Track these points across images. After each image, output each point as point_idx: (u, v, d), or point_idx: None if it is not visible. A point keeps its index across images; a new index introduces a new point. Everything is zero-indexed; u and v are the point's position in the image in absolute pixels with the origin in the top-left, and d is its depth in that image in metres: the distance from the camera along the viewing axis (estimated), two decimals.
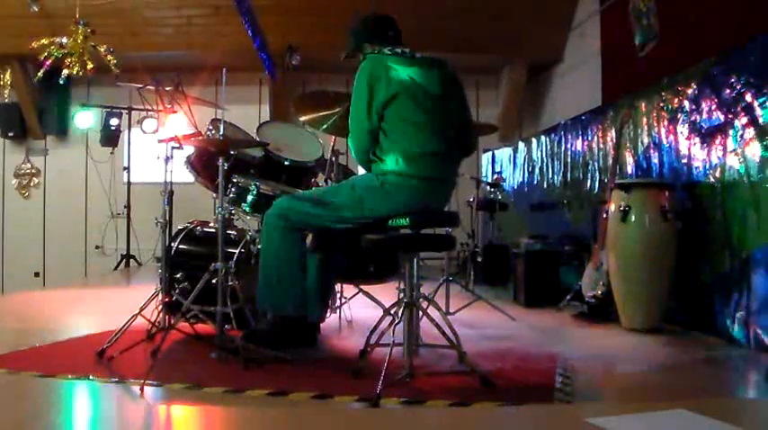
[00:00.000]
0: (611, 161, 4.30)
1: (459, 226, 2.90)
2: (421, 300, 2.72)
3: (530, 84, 8.43)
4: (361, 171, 3.49)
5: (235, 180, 3.10)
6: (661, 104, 4.04)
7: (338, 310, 3.43)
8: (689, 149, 3.72)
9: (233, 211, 3.14)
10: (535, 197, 6.23)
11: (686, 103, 3.77)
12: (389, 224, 2.58)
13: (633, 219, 3.60)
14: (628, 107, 4.25)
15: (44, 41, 6.47)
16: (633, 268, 3.60)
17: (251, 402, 2.26)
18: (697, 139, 3.65)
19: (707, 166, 3.54)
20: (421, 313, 2.67)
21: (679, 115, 3.83)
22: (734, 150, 3.30)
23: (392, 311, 2.68)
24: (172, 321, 2.89)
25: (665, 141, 3.99)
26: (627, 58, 5.93)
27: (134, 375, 2.42)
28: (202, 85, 6.05)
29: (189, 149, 3.32)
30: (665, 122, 3.98)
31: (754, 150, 3.13)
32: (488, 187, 6.00)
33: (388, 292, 3.51)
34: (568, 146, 5.54)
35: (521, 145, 6.80)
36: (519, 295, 4.74)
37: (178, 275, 3.08)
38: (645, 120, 4.23)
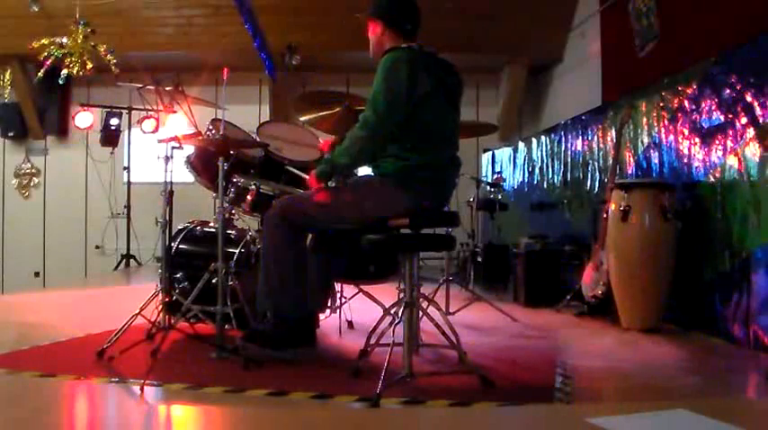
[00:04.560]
0: (611, 161, 4.30)
1: (459, 226, 2.90)
2: (421, 299, 2.72)
3: (530, 84, 8.43)
4: (361, 171, 3.48)
5: (235, 180, 3.10)
6: (661, 104, 4.04)
7: (338, 310, 3.43)
8: (689, 149, 3.72)
9: (233, 211, 3.14)
10: (535, 197, 6.23)
11: (686, 103, 3.77)
12: (389, 224, 2.58)
13: (633, 219, 3.60)
14: (628, 107, 4.25)
15: (44, 41, 6.48)
16: (633, 268, 3.60)
17: (251, 402, 2.26)
18: (697, 139, 3.65)
19: (707, 166, 3.54)
20: (421, 313, 2.67)
21: (679, 115, 3.83)
22: (734, 150, 3.30)
23: (392, 311, 2.68)
24: (172, 321, 2.89)
25: (665, 141, 3.99)
26: (627, 58, 5.92)
27: (134, 375, 2.42)
28: (202, 84, 6.05)
29: (189, 149, 3.32)
30: (665, 122, 3.98)
31: (754, 150, 3.13)
32: (488, 187, 6.00)
33: (388, 292, 3.51)
34: (568, 146, 5.54)
35: (521, 145, 6.80)
36: (519, 295, 4.74)
37: (178, 275, 3.09)
38: (645, 120, 4.23)
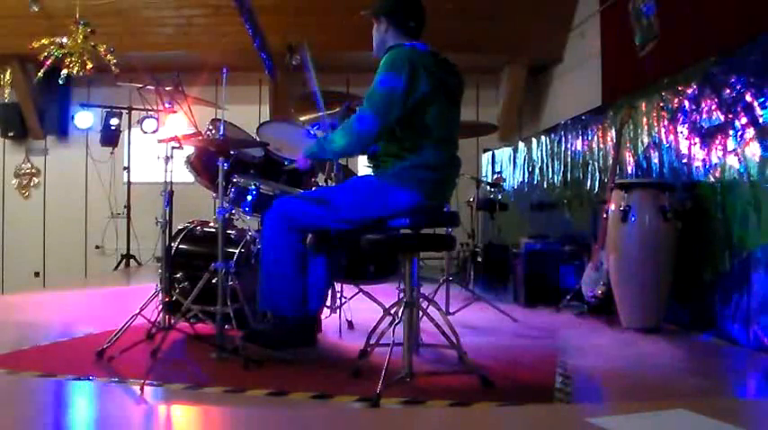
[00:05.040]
0: (611, 161, 4.30)
1: (459, 226, 2.90)
2: (421, 299, 2.72)
3: (530, 84, 8.43)
4: (361, 171, 3.48)
5: (235, 180, 3.10)
6: (661, 104, 4.04)
7: (338, 310, 3.43)
8: (689, 149, 3.72)
9: (233, 211, 3.14)
10: (535, 197, 6.23)
11: (686, 103, 3.77)
12: (389, 224, 2.58)
13: (633, 219, 3.60)
14: (628, 107, 4.25)
15: (44, 41, 6.48)
16: (633, 268, 3.60)
17: (251, 402, 2.26)
18: (697, 139, 3.65)
19: (707, 166, 3.54)
20: (421, 313, 2.67)
21: (679, 115, 3.83)
22: (734, 150, 3.30)
23: (392, 311, 2.68)
24: (172, 321, 2.90)
25: (665, 141, 3.99)
26: (627, 58, 5.92)
27: (134, 375, 2.42)
28: (202, 85, 6.05)
29: (189, 149, 3.32)
30: (665, 122, 3.98)
31: (754, 150, 3.13)
32: (488, 187, 6.01)
33: (388, 292, 3.51)
34: (568, 146, 5.54)
35: (521, 145, 6.80)
36: (519, 295, 4.74)
37: (178, 275, 3.08)
38: (645, 120, 4.23)
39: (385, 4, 2.76)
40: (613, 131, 4.63)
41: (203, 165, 3.36)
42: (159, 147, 3.03)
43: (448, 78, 2.66)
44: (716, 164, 3.45)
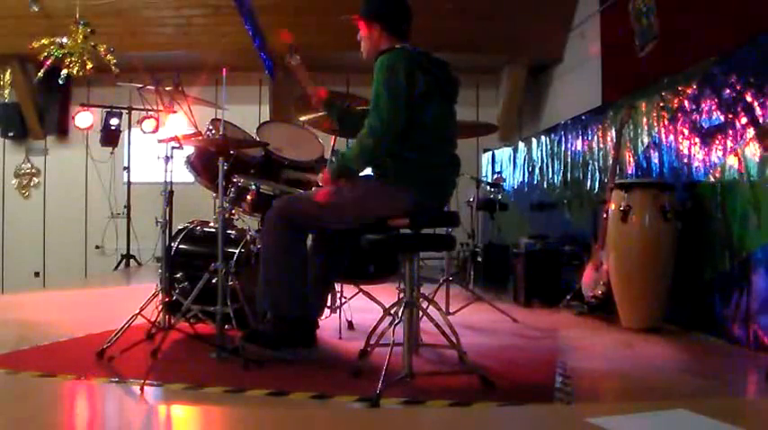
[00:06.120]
0: (611, 161, 4.30)
1: (459, 226, 2.90)
2: (421, 300, 2.72)
3: (530, 84, 8.43)
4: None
5: (235, 180, 3.10)
6: (661, 104, 4.04)
7: (338, 310, 3.43)
8: (689, 149, 3.72)
9: (233, 211, 3.14)
10: (535, 197, 6.23)
11: (686, 103, 3.77)
12: (389, 224, 2.58)
13: (633, 219, 3.60)
14: (628, 107, 4.25)
15: (44, 41, 6.49)
16: (633, 268, 3.60)
17: (251, 402, 2.26)
18: (697, 139, 3.65)
19: (707, 166, 3.54)
20: (421, 313, 2.67)
21: (679, 115, 3.83)
22: (734, 150, 3.30)
23: (392, 311, 2.68)
24: (172, 321, 2.89)
25: (665, 141, 3.99)
26: (627, 58, 5.92)
27: (134, 375, 2.42)
28: (202, 85, 6.05)
29: (189, 149, 3.32)
30: (665, 122, 3.98)
31: (754, 150, 3.13)
32: (488, 187, 6.00)
33: (388, 292, 3.51)
34: (568, 146, 5.54)
35: (521, 145, 6.80)
36: (519, 295, 4.74)
37: (178, 275, 3.09)
38: (645, 120, 4.23)
39: (378, 7, 2.76)
40: (613, 131, 4.63)
41: (203, 165, 3.36)
42: (159, 147, 3.03)
43: (443, 77, 2.66)
44: (716, 164, 3.45)
